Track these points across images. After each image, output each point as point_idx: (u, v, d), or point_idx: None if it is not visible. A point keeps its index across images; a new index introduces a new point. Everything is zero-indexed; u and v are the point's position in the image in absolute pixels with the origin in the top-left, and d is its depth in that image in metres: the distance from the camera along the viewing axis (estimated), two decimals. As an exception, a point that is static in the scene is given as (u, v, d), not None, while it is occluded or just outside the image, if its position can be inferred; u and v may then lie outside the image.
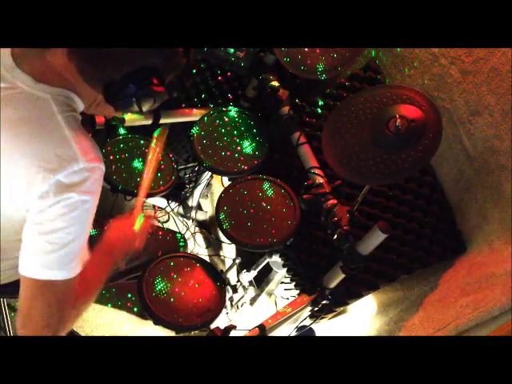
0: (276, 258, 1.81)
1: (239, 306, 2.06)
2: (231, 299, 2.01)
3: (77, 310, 1.06)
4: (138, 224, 1.34)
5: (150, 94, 1.06)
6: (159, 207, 2.25)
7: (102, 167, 1.02)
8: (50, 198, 0.95)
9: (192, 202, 2.26)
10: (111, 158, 1.67)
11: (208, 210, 2.41)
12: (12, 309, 1.99)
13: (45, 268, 0.99)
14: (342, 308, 1.75)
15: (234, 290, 1.91)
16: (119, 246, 1.27)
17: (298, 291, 1.76)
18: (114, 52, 0.98)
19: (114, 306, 2.03)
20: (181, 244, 1.79)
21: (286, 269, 1.81)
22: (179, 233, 1.90)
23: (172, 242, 1.76)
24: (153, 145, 1.42)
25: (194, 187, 2.21)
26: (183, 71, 1.12)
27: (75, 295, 1.04)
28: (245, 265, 1.97)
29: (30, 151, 0.96)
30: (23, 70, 1.00)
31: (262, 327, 1.57)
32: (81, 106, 1.09)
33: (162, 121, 1.86)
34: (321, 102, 1.88)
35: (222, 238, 1.63)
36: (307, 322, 1.72)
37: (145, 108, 1.10)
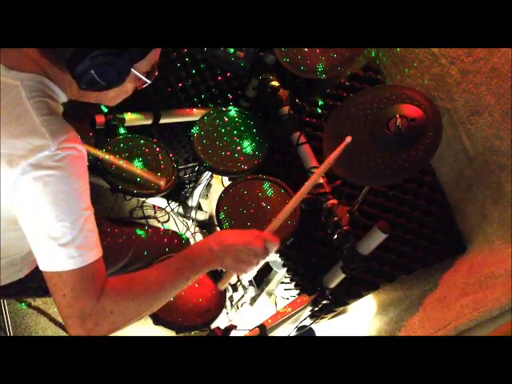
0: (276, 258, 1.81)
1: (239, 306, 2.07)
2: (231, 299, 2.01)
3: (118, 306, 0.98)
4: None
5: (108, 63, 0.99)
6: (159, 207, 2.26)
7: (78, 147, 0.98)
8: (27, 183, 0.94)
9: (192, 202, 2.26)
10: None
11: (208, 210, 2.41)
12: (15, 306, 2.00)
13: (45, 259, 0.97)
14: (341, 308, 1.75)
15: (234, 289, 1.91)
16: (205, 252, 1.12)
17: (298, 291, 1.76)
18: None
19: (114, 305, 2.03)
20: (183, 238, 1.78)
21: (285, 269, 1.81)
22: (180, 232, 1.90)
23: (174, 238, 1.75)
24: None
25: (194, 187, 2.21)
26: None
27: (97, 287, 0.97)
28: (245, 265, 1.97)
29: (2, 140, 0.95)
30: None
31: (262, 327, 1.57)
32: (59, 92, 1.07)
33: (162, 121, 1.86)
34: (321, 102, 1.88)
35: (222, 238, 1.63)
36: (307, 321, 1.72)
37: (112, 82, 1.03)
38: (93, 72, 0.99)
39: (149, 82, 1.12)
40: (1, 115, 0.97)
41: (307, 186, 1.20)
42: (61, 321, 2.05)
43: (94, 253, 1.00)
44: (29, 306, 2.04)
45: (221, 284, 1.30)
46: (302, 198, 1.21)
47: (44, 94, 1.02)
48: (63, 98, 1.09)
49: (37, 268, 1.01)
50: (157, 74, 1.13)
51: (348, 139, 1.17)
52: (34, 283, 1.38)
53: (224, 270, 1.31)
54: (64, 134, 0.97)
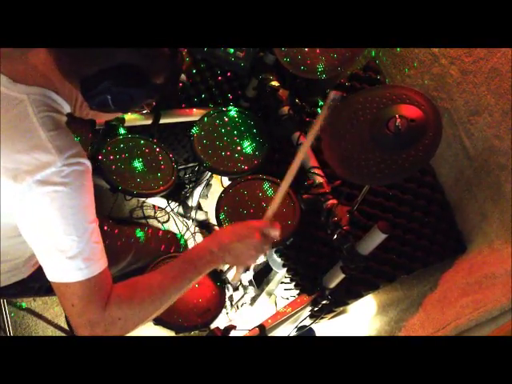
0: (276, 258, 1.81)
1: (239, 306, 2.07)
2: (231, 299, 2.01)
3: (125, 312, 1.02)
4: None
5: (125, 92, 1.01)
6: (159, 207, 2.26)
7: (83, 161, 1.00)
8: (34, 199, 0.95)
9: (192, 202, 2.26)
10: (111, 157, 1.67)
11: (208, 210, 2.41)
12: (15, 306, 2.00)
13: (53, 271, 0.99)
14: (341, 308, 1.75)
15: (234, 289, 1.91)
16: (205, 254, 1.14)
17: (298, 291, 1.76)
18: None
19: (114, 305, 2.03)
20: (181, 243, 1.78)
21: (285, 269, 1.81)
22: (179, 233, 1.90)
23: (172, 242, 1.76)
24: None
25: (194, 187, 2.21)
26: (173, 73, 1.09)
27: (103, 296, 1.00)
28: (245, 265, 1.96)
29: (7, 154, 0.96)
30: (2, 71, 1.00)
31: (262, 327, 1.57)
32: (65, 105, 1.07)
33: (162, 121, 1.86)
34: (321, 102, 1.88)
35: (222, 237, 1.62)
36: (307, 321, 1.71)
37: (121, 108, 1.06)
38: (109, 97, 1.00)
39: (147, 110, 1.14)
40: (6, 129, 0.97)
41: (299, 157, 1.29)
42: (60, 322, 2.05)
43: (100, 264, 1.02)
44: (29, 305, 2.04)
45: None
46: (294, 174, 1.27)
47: (50, 108, 1.02)
48: (67, 108, 1.09)
49: (39, 268, 1.01)
50: (154, 104, 1.15)
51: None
52: (36, 283, 1.38)
53: (224, 270, 1.32)
54: (70, 149, 0.98)
